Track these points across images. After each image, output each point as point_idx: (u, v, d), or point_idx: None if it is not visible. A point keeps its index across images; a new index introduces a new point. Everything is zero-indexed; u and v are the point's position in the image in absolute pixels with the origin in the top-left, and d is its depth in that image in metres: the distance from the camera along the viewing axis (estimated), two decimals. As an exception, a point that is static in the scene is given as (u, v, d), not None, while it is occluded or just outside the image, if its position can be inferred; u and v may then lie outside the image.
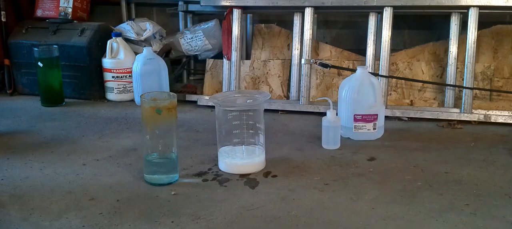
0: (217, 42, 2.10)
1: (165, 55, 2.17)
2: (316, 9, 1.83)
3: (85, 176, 1.24)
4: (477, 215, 1.00)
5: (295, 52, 1.87)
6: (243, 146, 1.26)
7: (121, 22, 2.21)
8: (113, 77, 2.01)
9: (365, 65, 1.79)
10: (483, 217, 0.99)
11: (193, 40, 2.13)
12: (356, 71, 1.50)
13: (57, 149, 1.45)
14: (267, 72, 1.98)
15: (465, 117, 1.68)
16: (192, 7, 2.20)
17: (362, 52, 1.86)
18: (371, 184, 1.17)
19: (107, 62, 2.01)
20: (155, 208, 1.05)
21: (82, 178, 1.22)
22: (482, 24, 1.74)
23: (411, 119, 1.72)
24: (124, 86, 2.02)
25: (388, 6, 1.73)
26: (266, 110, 1.31)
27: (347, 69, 1.86)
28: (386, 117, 1.59)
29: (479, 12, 1.68)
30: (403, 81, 1.83)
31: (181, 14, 2.27)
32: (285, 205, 1.06)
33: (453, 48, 1.73)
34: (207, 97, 1.93)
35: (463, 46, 1.72)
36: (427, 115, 1.71)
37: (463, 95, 1.70)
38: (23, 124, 1.73)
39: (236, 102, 1.27)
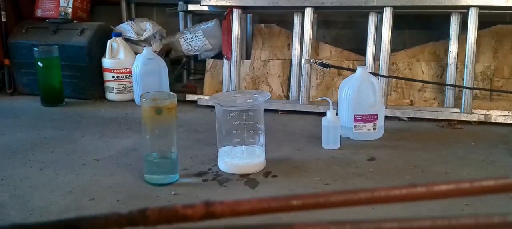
0: (217, 42, 2.10)
1: (165, 55, 2.16)
2: (316, 9, 1.83)
3: (85, 176, 1.24)
4: (477, 215, 1.00)
5: (295, 52, 1.86)
6: (243, 146, 1.26)
7: (121, 22, 2.21)
8: (113, 77, 2.01)
9: (365, 65, 1.79)
10: (483, 217, 0.99)
11: (193, 40, 2.13)
12: (356, 71, 1.50)
13: (57, 149, 1.45)
14: (267, 72, 1.98)
15: (465, 117, 1.68)
16: (192, 7, 2.20)
17: (362, 52, 1.86)
18: (371, 184, 1.17)
19: (107, 62, 2.01)
20: (155, 208, 1.05)
21: (82, 178, 1.22)
22: (482, 24, 1.74)
23: (411, 119, 1.72)
24: (124, 86, 2.02)
25: (388, 6, 1.73)
26: (266, 110, 1.31)
27: (347, 69, 1.86)
28: (386, 117, 1.58)
29: (479, 12, 1.67)
30: (403, 81, 1.83)
31: (181, 14, 2.27)
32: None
33: (453, 48, 1.72)
34: (207, 97, 1.93)
35: (463, 46, 1.72)
36: (427, 115, 1.71)
37: (463, 95, 1.70)
38: (23, 124, 1.73)
39: (236, 102, 1.27)
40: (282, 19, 2.10)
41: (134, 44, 2.09)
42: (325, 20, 2.21)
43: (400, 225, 0.38)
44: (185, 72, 2.33)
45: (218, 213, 0.41)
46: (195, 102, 1.95)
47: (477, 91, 1.76)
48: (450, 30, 1.73)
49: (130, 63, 1.98)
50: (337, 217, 1.03)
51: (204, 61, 2.13)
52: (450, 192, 0.40)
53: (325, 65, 1.82)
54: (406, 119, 1.72)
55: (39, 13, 2.16)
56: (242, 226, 0.40)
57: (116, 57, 2.01)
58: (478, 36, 1.72)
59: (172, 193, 1.13)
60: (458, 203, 1.05)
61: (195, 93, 2.02)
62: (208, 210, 0.41)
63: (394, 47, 1.91)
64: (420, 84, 1.82)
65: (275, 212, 0.41)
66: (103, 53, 2.04)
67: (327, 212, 1.05)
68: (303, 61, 1.82)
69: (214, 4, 1.89)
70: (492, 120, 1.66)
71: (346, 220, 0.40)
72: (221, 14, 1.98)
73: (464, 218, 0.39)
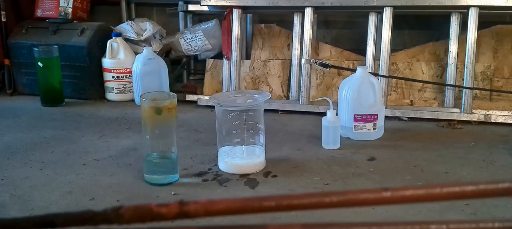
0: (217, 42, 2.10)
1: (165, 55, 2.16)
2: (316, 9, 1.83)
3: (85, 176, 1.24)
4: (477, 215, 1.00)
5: (295, 52, 1.86)
6: (243, 146, 1.26)
7: (121, 22, 2.21)
8: (113, 77, 2.01)
9: (365, 65, 1.79)
10: (483, 217, 0.99)
11: (193, 40, 2.13)
12: (356, 71, 1.50)
13: (57, 149, 1.45)
14: (267, 72, 1.98)
15: (465, 117, 1.68)
16: (192, 7, 2.20)
17: (362, 52, 1.86)
18: (371, 184, 1.17)
19: (107, 62, 2.01)
20: (155, 208, 1.05)
21: (82, 178, 1.22)
22: (482, 24, 1.74)
23: (411, 119, 1.72)
24: (124, 86, 2.02)
25: (388, 6, 1.73)
26: (266, 110, 1.31)
27: (347, 69, 1.86)
28: (386, 117, 1.59)
29: (479, 12, 1.67)
30: (403, 81, 1.83)
31: (181, 14, 2.27)
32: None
33: (453, 48, 1.72)
34: (207, 97, 1.93)
35: (463, 46, 1.72)
36: (427, 115, 1.71)
37: (463, 95, 1.70)
38: (23, 124, 1.73)
39: (236, 102, 1.27)
40: (282, 19, 2.10)
41: (134, 44, 2.09)
42: (325, 20, 2.21)
43: None
44: (185, 72, 2.33)
45: (192, 212, 0.41)
46: (195, 102, 1.95)
47: (477, 91, 1.76)
48: (450, 30, 1.73)
49: (130, 63, 1.98)
50: (336, 219, 1.03)
51: (204, 61, 2.13)
52: (419, 197, 0.40)
53: (325, 65, 1.82)
54: (406, 119, 1.72)
55: (39, 13, 2.16)
56: (215, 227, 0.40)
57: (116, 57, 2.01)
58: (478, 36, 1.72)
59: (172, 193, 1.13)
60: (458, 203, 1.05)
61: (195, 93, 2.02)
62: (182, 209, 0.41)
63: (394, 47, 1.91)
64: (420, 84, 1.82)
65: (249, 213, 0.41)
66: (103, 53, 2.04)
67: (327, 212, 1.05)
68: (303, 61, 1.82)
69: (214, 4, 1.89)
70: (492, 120, 1.66)
71: (318, 223, 0.41)
72: (221, 14, 1.98)
73: (434, 224, 0.39)
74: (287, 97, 1.93)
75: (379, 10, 1.77)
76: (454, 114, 1.69)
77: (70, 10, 2.12)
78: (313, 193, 0.41)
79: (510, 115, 1.66)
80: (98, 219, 0.42)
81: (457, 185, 0.40)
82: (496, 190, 0.40)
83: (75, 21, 2.13)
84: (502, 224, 0.39)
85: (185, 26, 2.27)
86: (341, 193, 0.41)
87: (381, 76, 1.75)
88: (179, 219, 0.41)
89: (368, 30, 1.79)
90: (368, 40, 1.79)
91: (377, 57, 1.79)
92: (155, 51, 2.03)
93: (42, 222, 0.42)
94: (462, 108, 1.69)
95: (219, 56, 2.07)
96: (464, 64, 1.70)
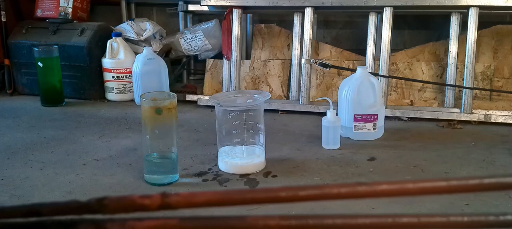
0: (217, 42, 2.10)
1: (165, 55, 2.16)
2: (316, 9, 1.83)
3: (85, 176, 1.24)
4: (477, 215, 1.00)
5: (295, 52, 1.86)
6: (243, 146, 1.26)
7: (121, 22, 2.21)
8: (113, 77, 2.01)
9: (365, 65, 1.79)
10: (483, 217, 0.99)
11: (193, 40, 2.13)
12: (356, 71, 1.50)
13: (57, 149, 1.45)
14: (267, 72, 1.98)
15: (465, 117, 1.68)
16: (192, 7, 2.20)
17: (362, 52, 1.86)
18: (371, 184, 1.17)
19: (107, 62, 2.01)
20: (155, 208, 1.05)
21: (82, 178, 1.22)
22: (482, 24, 1.74)
23: (411, 119, 1.72)
24: (124, 86, 2.02)
25: (388, 6, 1.73)
26: (266, 110, 1.31)
27: (347, 69, 1.86)
28: (386, 117, 1.59)
29: (479, 12, 1.67)
30: (403, 81, 1.83)
31: (181, 14, 2.27)
32: (285, 205, 1.06)
33: (453, 48, 1.72)
34: (207, 97, 1.93)
35: (463, 46, 1.72)
36: (427, 115, 1.71)
37: (463, 95, 1.70)
38: (23, 124, 1.73)
39: (236, 102, 1.27)
40: (282, 19, 2.10)
41: (134, 44, 2.09)
42: (325, 20, 2.21)
43: (344, 221, 0.41)
44: (185, 72, 2.33)
45: (174, 204, 0.43)
46: (195, 102, 1.95)
47: (477, 91, 1.76)
48: (450, 30, 1.73)
49: (130, 63, 1.98)
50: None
51: (204, 61, 2.13)
52: (391, 192, 0.41)
53: (325, 65, 1.82)
54: (406, 119, 1.72)
55: (39, 13, 2.16)
56: (195, 217, 0.41)
57: (116, 57, 2.01)
58: (478, 36, 1.72)
59: (172, 193, 1.13)
60: (458, 203, 1.05)
61: (195, 93, 2.02)
62: (164, 200, 0.43)
63: (394, 47, 1.91)
64: (420, 84, 1.82)
65: (230, 205, 0.43)
66: (103, 53, 2.04)
67: (327, 212, 1.05)
68: (303, 61, 1.82)
69: (214, 4, 1.89)
70: (492, 120, 1.66)
71: (296, 215, 0.43)
72: (221, 14, 1.98)
73: (406, 216, 0.41)
74: (287, 97, 1.93)
75: (379, 10, 1.77)
76: (454, 114, 1.69)
77: (70, 10, 2.12)
78: (290, 186, 0.42)
79: (510, 115, 1.66)
80: (82, 209, 0.44)
81: (429, 181, 0.41)
82: (466, 186, 0.41)
83: (75, 21, 2.13)
84: (470, 218, 0.40)
85: (185, 26, 2.27)
86: (317, 187, 0.43)
87: (381, 76, 1.75)
88: (161, 210, 0.43)
89: (368, 30, 1.79)
90: (368, 40, 1.79)
91: (377, 57, 1.79)
92: (155, 51, 2.03)
93: (28, 211, 0.43)
94: (462, 108, 1.69)
95: (219, 56, 2.07)
96: (464, 64, 1.70)
